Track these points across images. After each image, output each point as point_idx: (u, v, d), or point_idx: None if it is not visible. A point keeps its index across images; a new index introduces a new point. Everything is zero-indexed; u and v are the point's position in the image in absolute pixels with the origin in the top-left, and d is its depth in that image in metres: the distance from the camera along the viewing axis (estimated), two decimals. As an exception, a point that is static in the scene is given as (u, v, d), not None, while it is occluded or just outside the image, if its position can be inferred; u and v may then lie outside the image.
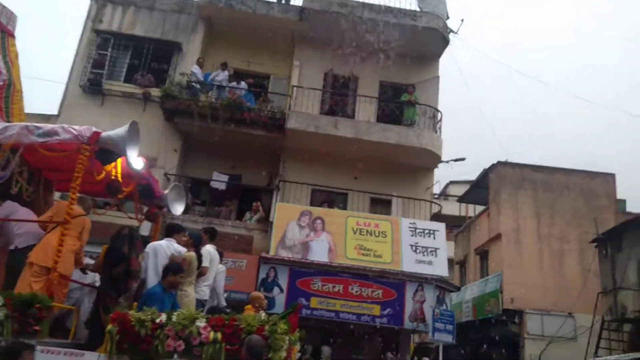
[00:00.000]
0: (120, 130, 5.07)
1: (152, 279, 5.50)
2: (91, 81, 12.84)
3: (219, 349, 4.10)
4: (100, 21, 13.61)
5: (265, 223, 11.61)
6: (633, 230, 15.32)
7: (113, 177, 6.08)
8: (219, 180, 12.40)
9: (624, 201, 20.34)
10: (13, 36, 7.24)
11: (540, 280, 17.90)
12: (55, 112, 12.90)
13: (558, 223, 19.06)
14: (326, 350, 10.37)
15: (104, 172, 5.72)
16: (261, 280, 10.12)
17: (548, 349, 16.97)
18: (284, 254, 10.41)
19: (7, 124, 5.12)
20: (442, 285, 10.88)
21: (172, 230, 6.12)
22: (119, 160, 5.84)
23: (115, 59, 13.45)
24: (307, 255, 10.55)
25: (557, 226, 19.01)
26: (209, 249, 6.28)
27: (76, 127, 5.05)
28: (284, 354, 4.38)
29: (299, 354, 6.59)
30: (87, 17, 13.58)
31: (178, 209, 7.21)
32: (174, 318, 4.20)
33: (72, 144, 5.11)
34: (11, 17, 7.24)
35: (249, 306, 6.14)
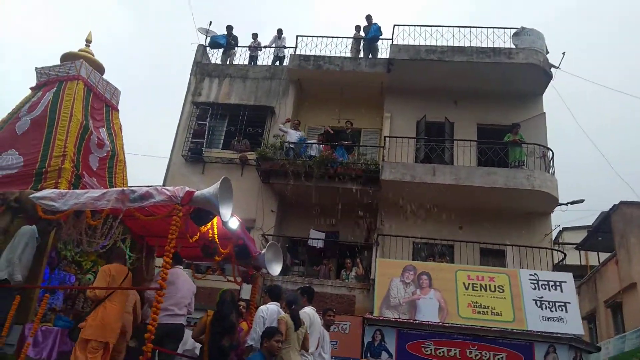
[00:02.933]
0: (212, 188, 4.93)
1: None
2: (192, 150, 13.49)
3: None
4: (199, 94, 14.49)
5: (367, 282, 10.95)
6: None
7: (210, 238, 5.94)
8: (316, 238, 12.08)
9: None
10: (117, 110, 7.72)
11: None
12: (160, 183, 13.65)
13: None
14: None
15: (198, 234, 5.59)
16: (367, 344, 9.35)
17: None
18: (389, 314, 9.62)
19: (105, 190, 5.20)
20: (578, 346, 9.32)
21: (279, 294, 5.79)
22: (215, 222, 5.70)
23: (214, 128, 14.10)
24: (415, 315, 9.66)
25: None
26: (307, 311, 5.79)
27: (170, 187, 4.99)
28: None
29: None
30: (187, 91, 14.54)
31: (276, 269, 6.91)
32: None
33: (167, 206, 5.05)
34: (115, 92, 7.76)
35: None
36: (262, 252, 6.90)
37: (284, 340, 4.92)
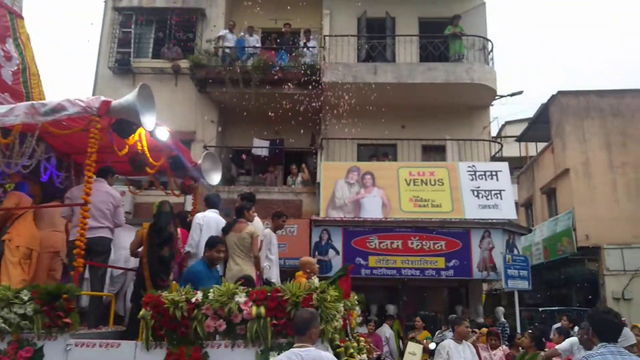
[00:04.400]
0: (130, 96, 4.57)
1: (207, 254, 5.09)
2: (119, 61, 12.56)
3: (263, 325, 3.60)
4: (120, -2, 13.20)
5: (313, 185, 11.06)
6: None
7: (140, 151, 5.65)
8: (260, 147, 11.91)
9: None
10: (21, 17, 6.88)
11: (616, 213, 16.49)
12: (90, 97, 12.77)
13: (632, 149, 17.33)
14: (391, 308, 9.86)
15: (127, 147, 5.28)
16: (314, 244, 9.65)
17: (631, 284, 15.76)
18: (335, 215, 9.86)
19: (12, 105, 4.73)
20: (511, 229, 10.00)
21: (216, 201, 5.70)
22: (142, 134, 5.38)
23: (141, 35, 13.07)
24: (360, 213, 9.94)
25: (631, 153, 17.30)
26: (256, 219, 5.79)
27: (84, 98, 4.59)
28: (338, 323, 3.84)
29: (360, 318, 6.07)
30: (107, -5, 13.20)
31: (214, 178, 6.75)
32: (211, 295, 3.72)
33: (84, 118, 4.67)
34: (15, -3, 6.85)
35: (300, 273, 5.61)
36: (199, 162, 6.69)
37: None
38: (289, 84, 11.51)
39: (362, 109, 11.84)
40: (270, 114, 12.11)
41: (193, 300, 3.73)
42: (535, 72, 66.01)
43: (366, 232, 9.72)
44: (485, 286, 15.02)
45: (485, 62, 11.80)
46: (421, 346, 8.13)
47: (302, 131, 12.56)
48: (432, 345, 8.06)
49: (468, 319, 9.37)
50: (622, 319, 7.55)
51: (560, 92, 18.81)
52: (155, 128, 5.44)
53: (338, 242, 9.65)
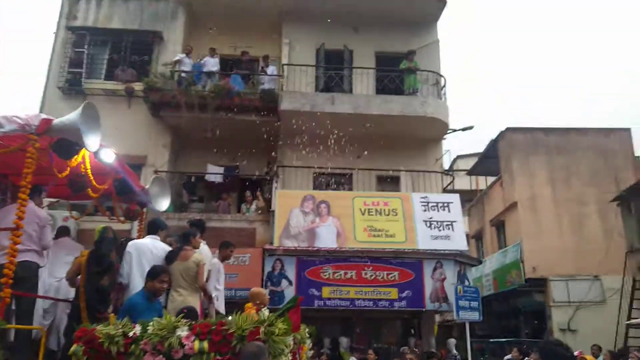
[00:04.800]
0: (74, 114, 4.34)
1: (139, 285, 4.78)
2: (70, 81, 12.12)
3: (207, 360, 3.38)
4: (74, 17, 12.86)
5: (268, 214, 10.88)
6: (657, 184, 14.47)
7: (82, 173, 5.36)
8: (214, 173, 11.68)
9: (638, 157, 19.36)
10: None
11: (561, 245, 17.15)
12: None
13: (575, 185, 18.22)
14: (344, 341, 9.70)
15: (68, 169, 4.99)
16: (267, 274, 9.42)
17: (576, 315, 16.28)
18: (289, 244, 9.70)
19: (-58, 120, 4.39)
20: (462, 260, 10.13)
21: (155, 226, 5.38)
22: (86, 155, 5.12)
23: (94, 56, 12.71)
24: (314, 242, 9.83)
25: (575, 189, 18.17)
26: (204, 248, 5.55)
27: (22, 115, 4.32)
28: (287, 358, 3.67)
29: (311, 351, 5.89)
30: (60, 13, 12.82)
31: (163, 204, 6.51)
32: (150, 329, 3.48)
33: (20, 136, 4.39)
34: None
35: (249, 304, 5.41)
36: (147, 186, 6.43)
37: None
38: (245, 110, 11.41)
39: (318, 138, 11.86)
40: (225, 140, 11.97)
41: (130, 334, 3.48)
42: (487, 108, 69.05)
43: (320, 262, 9.59)
44: (437, 317, 15.11)
45: (439, 96, 12.17)
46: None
47: (258, 158, 12.45)
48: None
49: (421, 350, 9.38)
50: (576, 352, 7.71)
51: (508, 129, 19.62)
52: (100, 149, 5.20)
53: (291, 272, 9.46)
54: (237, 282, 9.07)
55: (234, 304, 6.10)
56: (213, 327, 3.49)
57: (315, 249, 9.73)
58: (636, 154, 19.11)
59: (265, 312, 4.16)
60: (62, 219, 8.07)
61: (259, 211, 11.07)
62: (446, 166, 21.56)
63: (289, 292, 9.19)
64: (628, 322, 13.49)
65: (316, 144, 11.90)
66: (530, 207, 18.17)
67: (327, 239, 9.83)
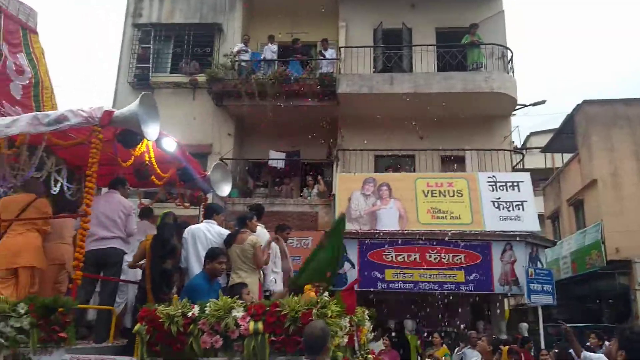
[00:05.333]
0: (132, 105, 4.53)
1: (196, 268, 4.96)
2: (138, 77, 12.74)
3: (261, 341, 3.44)
4: (139, 15, 13.44)
5: (329, 197, 10.90)
6: None
7: (147, 163, 5.62)
8: (277, 159, 11.84)
9: None
10: (36, 32, 7.00)
11: (647, 224, 15.81)
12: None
13: (663, 159, 16.69)
14: (409, 324, 9.56)
15: (132, 158, 5.24)
16: (330, 257, 9.43)
17: (665, 299, 15.03)
18: (351, 227, 9.65)
19: (17, 116, 4.74)
20: (534, 242, 9.61)
21: (211, 211, 5.54)
22: (150, 145, 5.35)
23: (159, 51, 13.25)
24: (376, 225, 9.72)
25: (662, 162, 16.65)
26: (262, 231, 5.66)
27: (86, 108, 4.56)
28: (342, 340, 3.65)
29: (373, 333, 5.85)
30: (127, 12, 13.46)
31: (224, 189, 6.68)
32: (207, 310, 3.59)
33: (86, 128, 4.65)
34: (30, 13, 6.99)
35: (309, 286, 5.44)
36: (208, 173, 6.64)
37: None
38: (304, 95, 11.43)
39: (378, 120, 11.68)
40: (286, 126, 12.09)
41: (189, 314, 3.61)
42: (559, 82, 64.75)
43: (382, 244, 9.48)
44: (512, 301, 14.54)
45: (505, 70, 11.52)
46: (439, 364, 7.83)
47: (319, 142, 12.47)
48: (450, 363, 7.77)
49: (490, 334, 9.05)
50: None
51: (585, 102, 18.30)
52: (162, 138, 5.41)
53: (354, 255, 9.43)
54: (301, 264, 9.15)
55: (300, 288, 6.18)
56: (267, 309, 3.54)
57: (378, 231, 9.63)
58: None
59: (325, 294, 4.16)
60: (137, 205, 8.56)
61: (321, 195, 11.11)
62: (519, 144, 20.57)
63: (352, 274, 9.19)
64: None
65: (376, 126, 11.73)
66: (611, 184, 16.91)
67: (389, 222, 9.69)
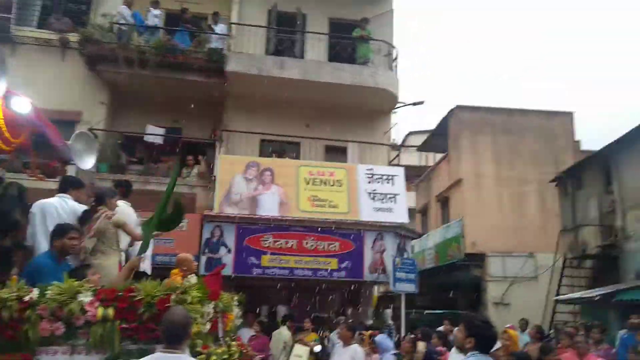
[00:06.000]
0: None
1: (44, 247, 4.38)
2: (-4, 27, 11.06)
3: (110, 329, 3.12)
4: (1, -44, 11.65)
5: (209, 179, 10.50)
6: (592, 168, 15.12)
7: (-7, 126, 4.84)
8: (155, 134, 11.10)
9: (578, 141, 20.17)
10: None
11: (500, 222, 17.76)
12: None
13: (517, 165, 18.82)
14: (282, 310, 9.63)
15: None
16: (205, 240, 9.13)
17: (510, 289, 17.02)
18: (230, 211, 9.41)
19: None
20: (403, 233, 10.21)
21: (66, 184, 4.94)
22: (-1, 105, 4.60)
23: (25, 1, 11.63)
24: (256, 210, 9.59)
25: (517, 168, 18.77)
26: (121, 206, 5.17)
27: None
28: (204, 327, 3.46)
29: (240, 320, 5.70)
30: (-15, -50, 11.58)
31: (88, 161, 6.03)
32: (49, 293, 3.17)
33: None
34: None
35: (176, 270, 5.14)
36: (69, 142, 5.93)
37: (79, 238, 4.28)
38: (190, 69, 10.86)
39: (266, 104, 11.53)
40: (168, 100, 11.41)
41: (26, 298, 3.15)
42: (442, 85, 70.01)
43: (261, 230, 9.38)
44: (380, 288, 15.36)
45: (390, 68, 12.01)
46: (307, 348, 7.94)
47: (203, 121, 11.98)
48: (317, 348, 7.94)
49: (356, 321, 9.44)
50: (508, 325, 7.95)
51: (458, 107, 19.85)
52: (11, 97, 4.70)
53: (231, 240, 9.21)
54: (174, 247, 8.71)
55: (167, 270, 5.81)
56: (120, 293, 3.22)
57: (257, 217, 9.50)
58: (576, 138, 19.87)
59: (192, 278, 3.93)
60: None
61: (201, 176, 10.66)
62: (399, 141, 21.75)
63: (227, 259, 8.97)
64: (556, 297, 14.18)
65: (264, 109, 11.57)
66: (474, 185, 18.64)
67: (269, 208, 9.61)
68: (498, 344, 3.88)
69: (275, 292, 10.30)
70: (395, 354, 6.39)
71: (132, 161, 11.60)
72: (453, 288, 19.11)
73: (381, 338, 6.49)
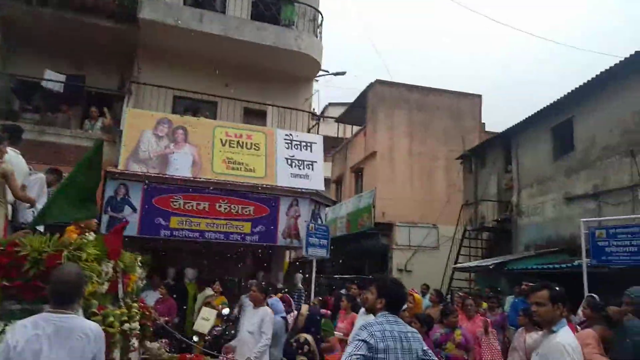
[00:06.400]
0: None
1: None
2: None
3: (-12, 287, 2.75)
4: None
5: (115, 134, 9.74)
6: (495, 148, 16.18)
7: None
8: (54, 80, 10.05)
9: (484, 123, 21.47)
10: None
11: (409, 195, 18.62)
12: None
13: (429, 141, 19.70)
14: (190, 272, 9.32)
15: None
16: (108, 198, 8.50)
17: (413, 257, 18.02)
18: (137, 169, 8.83)
19: None
20: (318, 200, 10.25)
21: None
22: None
23: None
24: (167, 169, 9.08)
25: (428, 144, 19.66)
26: (10, 154, 4.61)
27: None
28: (101, 287, 3.18)
29: (143, 281, 5.42)
30: None
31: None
32: None
33: None
34: None
35: (72, 227, 4.70)
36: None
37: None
38: (98, 12, 9.89)
39: (183, 58, 10.89)
40: (72, 44, 10.37)
41: None
42: (367, 59, 70.82)
43: (171, 190, 8.92)
44: (293, 254, 15.50)
45: (314, 34, 11.80)
46: (215, 311, 7.83)
47: (111, 70, 11.08)
48: (225, 311, 7.84)
49: (267, 283, 9.43)
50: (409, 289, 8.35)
51: (378, 81, 20.23)
52: None
53: (137, 199, 8.66)
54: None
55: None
56: (2, 248, 2.84)
57: (168, 176, 9.01)
58: (483, 120, 21.12)
59: (90, 236, 3.58)
60: None
61: (106, 130, 9.87)
62: (319, 110, 21.75)
63: (133, 219, 8.45)
64: (455, 265, 15.21)
65: (180, 64, 10.91)
66: (387, 158, 19.29)
67: (181, 168, 9.15)
68: (404, 305, 4.02)
69: (184, 255, 9.96)
70: (283, 317, 6.55)
71: (26, 109, 10.46)
72: (362, 255, 19.86)
73: (273, 301, 6.59)
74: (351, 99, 22.20)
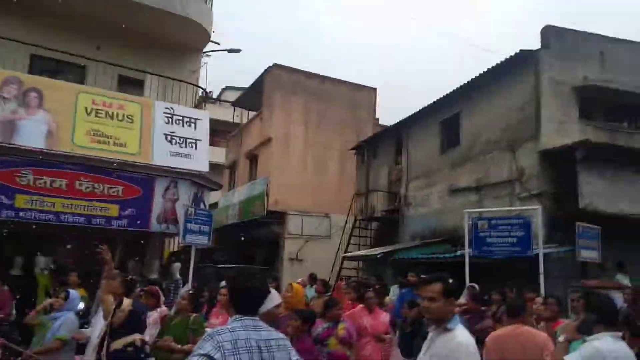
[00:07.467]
0: None
1: None
2: None
3: None
4: None
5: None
6: (387, 140, 16.35)
7: None
8: None
9: (377, 118, 21.80)
10: None
11: (303, 183, 18.27)
12: None
13: (324, 130, 19.49)
14: (42, 261, 7.96)
15: None
16: None
17: (305, 246, 17.73)
18: (-28, 135, 7.26)
19: None
20: (201, 182, 9.34)
21: None
22: None
23: None
24: (13, 138, 7.60)
25: (323, 133, 19.45)
26: None
27: None
28: None
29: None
30: None
31: None
32: None
33: None
34: None
35: None
36: None
37: None
38: None
39: (44, 11, 9.27)
40: None
41: None
42: (264, 42, 69.42)
43: (18, 163, 7.47)
44: (179, 241, 14.32)
45: (204, 0, 10.77)
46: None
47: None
48: (80, 306, 6.68)
49: (138, 274, 8.36)
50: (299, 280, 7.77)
51: (275, 65, 19.55)
52: None
53: (-29, 172, 7.13)
54: None
55: None
56: None
57: (14, 146, 7.54)
58: (377, 113, 21.42)
59: None
60: None
61: None
62: (215, 95, 20.50)
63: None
64: (344, 254, 15.11)
65: (40, 19, 9.28)
66: (282, 144, 18.74)
67: (32, 137, 7.71)
68: (276, 300, 3.41)
69: (35, 240, 8.49)
70: (77, 313, 5.59)
71: None
72: (254, 244, 19.18)
73: (74, 295, 5.55)
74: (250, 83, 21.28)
